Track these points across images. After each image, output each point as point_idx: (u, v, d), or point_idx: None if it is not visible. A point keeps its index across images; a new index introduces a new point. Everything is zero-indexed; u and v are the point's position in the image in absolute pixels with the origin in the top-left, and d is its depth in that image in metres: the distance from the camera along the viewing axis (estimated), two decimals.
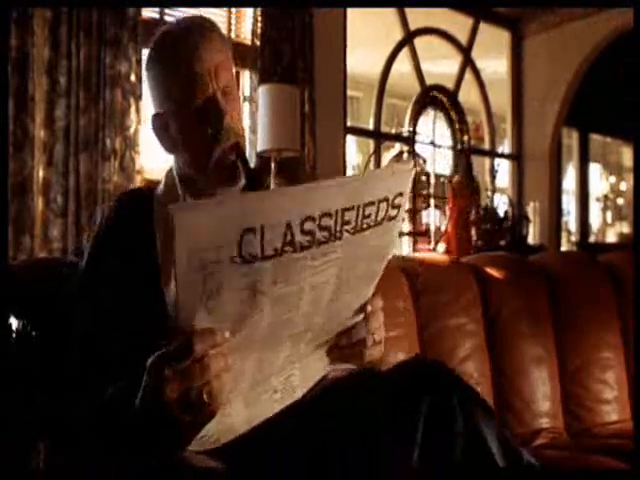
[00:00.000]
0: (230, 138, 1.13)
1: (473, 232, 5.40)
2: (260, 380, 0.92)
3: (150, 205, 1.17)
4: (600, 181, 8.87)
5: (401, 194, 0.88)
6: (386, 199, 0.86)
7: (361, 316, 1.00)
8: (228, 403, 0.85)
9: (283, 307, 0.84)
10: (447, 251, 5.22)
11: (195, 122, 1.12)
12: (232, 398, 0.87)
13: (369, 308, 1.00)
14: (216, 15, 3.98)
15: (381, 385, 0.96)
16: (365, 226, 0.85)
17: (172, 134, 1.16)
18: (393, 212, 0.88)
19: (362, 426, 0.90)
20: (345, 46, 4.52)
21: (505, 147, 6.36)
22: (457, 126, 5.74)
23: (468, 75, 5.84)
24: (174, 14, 3.75)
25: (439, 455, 0.88)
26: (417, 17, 5.28)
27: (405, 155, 5.46)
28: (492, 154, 6.10)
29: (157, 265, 1.09)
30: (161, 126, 1.17)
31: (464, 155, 5.66)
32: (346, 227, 0.82)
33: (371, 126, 5.34)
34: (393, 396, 0.92)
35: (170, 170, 1.22)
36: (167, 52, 1.15)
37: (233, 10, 4.05)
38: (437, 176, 5.80)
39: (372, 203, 0.84)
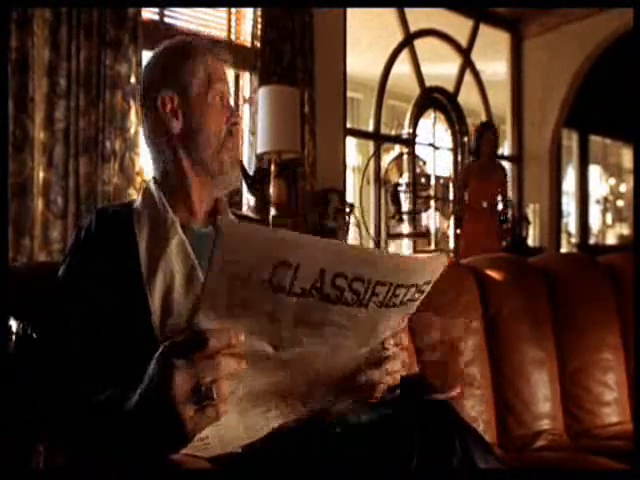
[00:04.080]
0: (237, 148, 1.24)
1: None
2: (260, 395, 0.93)
3: (129, 218, 1.20)
4: (600, 183, 8.88)
5: (429, 282, 0.92)
6: (416, 285, 0.89)
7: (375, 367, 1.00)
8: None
9: (297, 351, 0.87)
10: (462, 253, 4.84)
11: (215, 115, 1.22)
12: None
13: (385, 353, 0.99)
14: (216, 17, 3.99)
15: (379, 415, 0.96)
16: (391, 304, 0.88)
17: (185, 118, 1.22)
18: (417, 295, 0.92)
19: (361, 454, 0.91)
20: (345, 47, 4.53)
21: (505, 149, 6.37)
22: (457, 128, 5.74)
23: (468, 77, 5.84)
24: (174, 16, 3.76)
25: None
26: (417, 19, 5.29)
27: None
28: None
29: (140, 273, 1.12)
30: (171, 109, 1.22)
31: (490, 129, 5.04)
32: (374, 299, 0.85)
33: (371, 128, 5.34)
34: (390, 426, 0.92)
35: (146, 188, 1.26)
36: (197, 43, 1.26)
37: (233, 11, 4.06)
38: (437, 178, 5.81)
39: (403, 286, 0.87)
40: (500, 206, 4.99)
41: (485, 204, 4.83)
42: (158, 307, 1.09)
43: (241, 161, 1.26)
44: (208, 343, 0.77)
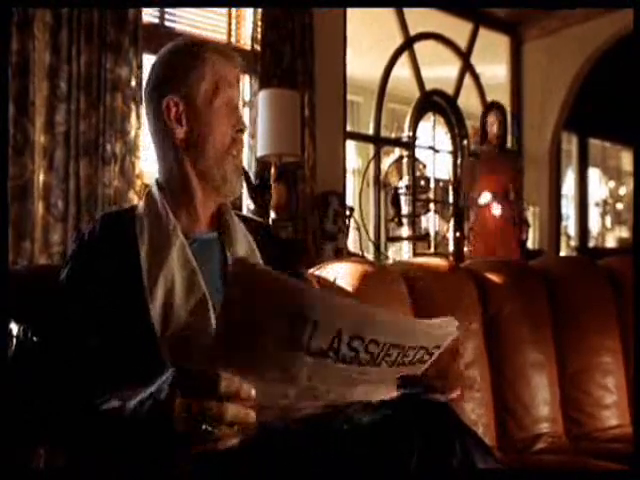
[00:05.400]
0: (240, 155, 1.24)
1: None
2: None
3: (132, 224, 1.20)
4: (599, 186, 8.88)
5: (438, 347, 0.96)
6: (426, 347, 0.93)
7: None
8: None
9: (304, 400, 0.89)
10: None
11: (221, 121, 1.20)
12: None
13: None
14: (216, 20, 3.99)
15: (379, 415, 0.97)
16: (400, 363, 0.92)
17: (189, 125, 1.20)
18: (426, 357, 0.96)
19: (360, 454, 0.92)
20: (345, 50, 4.53)
21: None
22: (457, 131, 5.75)
23: (468, 80, 5.85)
24: (174, 19, 3.76)
25: None
26: (417, 22, 5.30)
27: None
28: None
29: (141, 277, 1.12)
30: (176, 114, 1.20)
31: (496, 110, 4.51)
32: (386, 359, 0.89)
33: (371, 131, 5.35)
34: (390, 426, 0.93)
35: (149, 192, 1.25)
36: (207, 46, 1.24)
37: (233, 14, 4.06)
38: (437, 181, 5.81)
39: (414, 347, 0.91)
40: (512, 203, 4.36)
41: (490, 198, 4.28)
42: (159, 312, 1.10)
43: (244, 168, 1.27)
44: (218, 387, 0.78)
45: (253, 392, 0.81)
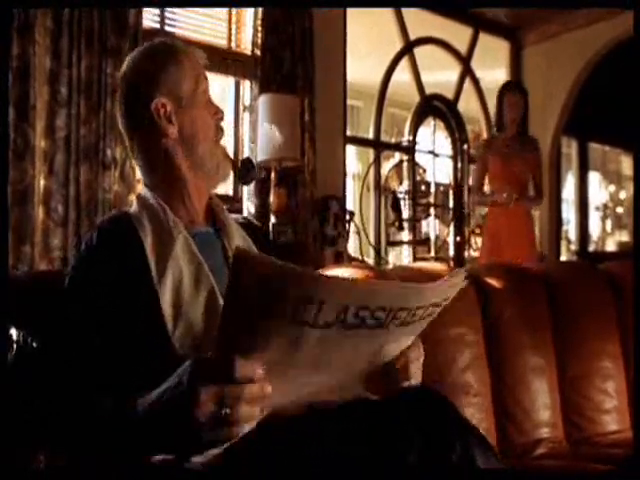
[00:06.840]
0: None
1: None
2: None
3: (130, 223, 1.21)
4: (599, 190, 8.88)
5: (447, 299, 0.96)
6: (434, 303, 0.94)
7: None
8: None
9: (317, 367, 0.90)
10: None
11: (205, 113, 1.25)
12: None
13: (402, 361, 1.05)
14: (216, 25, 4.00)
15: (377, 413, 0.97)
16: (410, 321, 0.93)
17: (180, 122, 1.23)
18: (435, 310, 0.96)
19: (358, 450, 0.92)
20: (345, 55, 4.54)
21: None
22: (457, 135, 5.76)
23: (468, 84, 5.86)
24: (174, 24, 3.77)
25: None
26: (417, 26, 5.31)
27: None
28: None
29: (149, 274, 1.12)
30: (165, 114, 1.22)
31: (513, 89, 3.85)
32: (394, 321, 0.89)
33: (371, 135, 5.35)
34: (388, 424, 0.93)
35: (140, 195, 1.28)
36: (178, 45, 1.29)
37: (233, 19, 4.07)
38: (437, 185, 5.82)
39: (422, 307, 0.92)
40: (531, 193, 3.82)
41: (507, 190, 3.64)
42: (169, 306, 1.10)
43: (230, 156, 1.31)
44: (234, 373, 0.79)
45: (260, 370, 0.82)
